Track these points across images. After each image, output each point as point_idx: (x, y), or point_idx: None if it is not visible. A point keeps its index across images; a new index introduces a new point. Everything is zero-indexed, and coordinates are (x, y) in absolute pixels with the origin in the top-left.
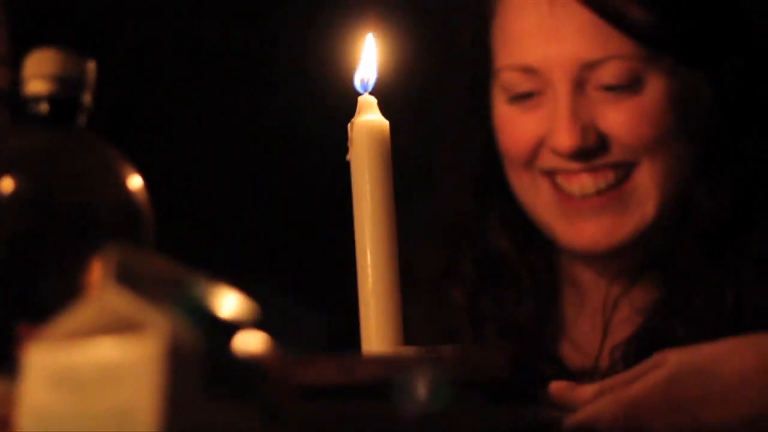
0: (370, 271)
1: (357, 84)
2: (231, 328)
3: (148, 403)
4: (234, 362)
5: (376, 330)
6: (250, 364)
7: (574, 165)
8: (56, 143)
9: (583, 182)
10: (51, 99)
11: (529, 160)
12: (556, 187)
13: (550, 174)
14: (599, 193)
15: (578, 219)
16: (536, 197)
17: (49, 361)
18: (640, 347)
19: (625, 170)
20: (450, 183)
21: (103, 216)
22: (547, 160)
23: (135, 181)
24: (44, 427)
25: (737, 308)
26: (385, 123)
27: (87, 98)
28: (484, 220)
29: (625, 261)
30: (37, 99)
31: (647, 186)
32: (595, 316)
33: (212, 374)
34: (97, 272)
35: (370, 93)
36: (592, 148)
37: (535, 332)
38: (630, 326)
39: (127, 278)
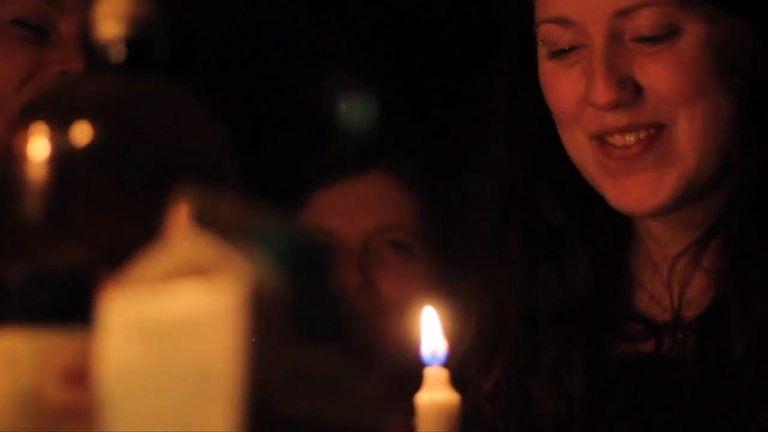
0: None
1: (426, 355)
2: (316, 270)
3: (230, 352)
4: (322, 306)
5: None
6: (339, 307)
7: (613, 119)
8: (132, 90)
9: (624, 137)
10: (126, 42)
11: (575, 118)
12: (602, 142)
13: (599, 138)
14: (639, 142)
15: (621, 176)
16: (585, 155)
17: (127, 312)
18: (714, 319)
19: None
20: (499, 151)
21: (183, 163)
22: (592, 120)
23: (215, 128)
24: (125, 377)
25: None
26: (456, 401)
27: (161, 41)
28: (534, 190)
29: (684, 220)
30: (111, 43)
31: (686, 138)
32: (668, 273)
33: (299, 319)
34: (176, 218)
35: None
36: (628, 100)
37: (599, 299)
38: (703, 283)
39: (207, 223)
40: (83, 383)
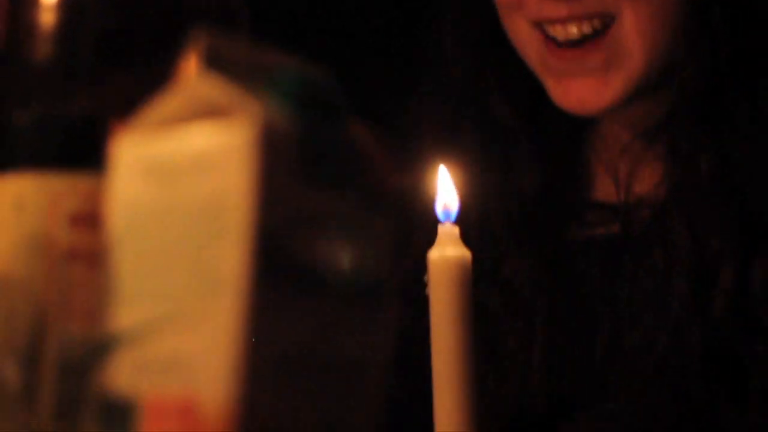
0: (448, 407)
1: (439, 212)
2: (329, 112)
3: (241, 191)
4: (333, 147)
5: None
6: (350, 148)
7: (554, 8)
8: None
9: (567, 28)
10: None
11: (517, 4)
12: (545, 36)
13: (539, 24)
14: (584, 38)
15: (564, 76)
16: (528, 47)
17: (138, 152)
18: (665, 216)
19: (608, 20)
20: (450, 45)
21: (193, 6)
22: (531, 7)
23: None
24: (135, 218)
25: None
26: (467, 257)
27: None
28: (484, 85)
29: (633, 114)
30: None
31: (631, 36)
32: (619, 163)
33: (309, 160)
34: (187, 61)
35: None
36: None
37: (554, 197)
38: (653, 176)
39: (218, 65)
40: (92, 227)
